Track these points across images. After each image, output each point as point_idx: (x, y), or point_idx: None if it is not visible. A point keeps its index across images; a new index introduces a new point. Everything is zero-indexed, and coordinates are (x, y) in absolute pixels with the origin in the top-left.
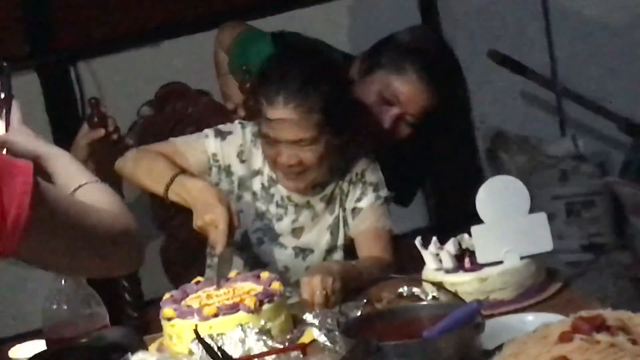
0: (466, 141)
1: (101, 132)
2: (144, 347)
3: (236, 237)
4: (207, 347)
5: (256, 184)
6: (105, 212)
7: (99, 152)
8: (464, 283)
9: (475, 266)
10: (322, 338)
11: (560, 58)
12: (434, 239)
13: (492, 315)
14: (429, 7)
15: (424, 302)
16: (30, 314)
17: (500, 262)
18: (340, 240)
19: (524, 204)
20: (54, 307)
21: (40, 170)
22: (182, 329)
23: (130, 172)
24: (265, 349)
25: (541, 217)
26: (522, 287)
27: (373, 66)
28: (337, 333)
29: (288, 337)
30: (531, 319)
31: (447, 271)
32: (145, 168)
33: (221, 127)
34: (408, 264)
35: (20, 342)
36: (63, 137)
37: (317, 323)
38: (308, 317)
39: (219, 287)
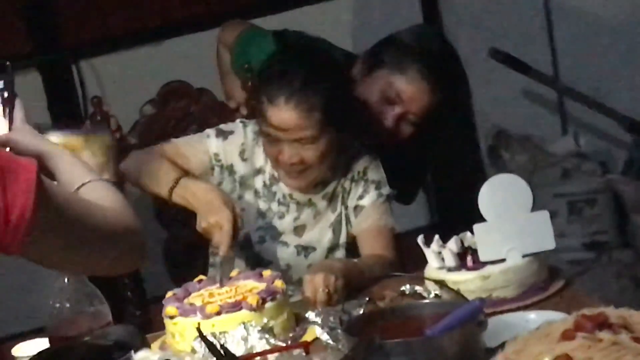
0: (468, 139)
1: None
2: (147, 345)
3: (239, 239)
4: (210, 345)
5: (258, 183)
6: (108, 210)
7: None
8: (467, 281)
9: (478, 264)
10: (324, 336)
11: (562, 56)
12: (437, 237)
13: (494, 314)
14: (431, 6)
15: (427, 301)
16: (33, 312)
17: (503, 260)
18: (343, 238)
19: (526, 202)
20: (57, 305)
21: (44, 169)
22: (184, 327)
23: (134, 175)
24: (267, 347)
25: (543, 215)
26: (524, 285)
27: (375, 65)
28: (339, 331)
29: (290, 335)
30: (533, 317)
31: (450, 269)
32: (148, 171)
33: (222, 126)
34: (410, 262)
35: (23, 340)
36: None
37: (319, 321)
38: (310, 315)
39: (222, 286)
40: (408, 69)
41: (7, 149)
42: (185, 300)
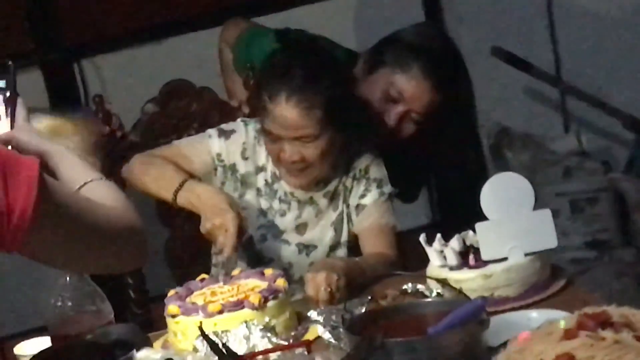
0: (470, 138)
1: (105, 129)
2: (149, 343)
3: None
4: (212, 344)
5: (260, 181)
6: (110, 208)
7: (103, 149)
8: (469, 280)
9: (480, 263)
10: (326, 335)
11: (564, 55)
12: (438, 235)
13: (496, 312)
14: (433, 4)
15: (429, 299)
16: (34, 311)
17: (505, 259)
18: (344, 237)
19: (529, 200)
20: (59, 303)
21: (45, 168)
22: (186, 326)
23: (137, 179)
24: (269, 346)
25: (546, 213)
26: (526, 284)
27: (377, 64)
28: (341, 330)
29: (292, 333)
30: (536, 316)
31: (452, 268)
32: (152, 175)
33: (224, 126)
34: (412, 260)
35: (25, 339)
36: None
37: (321, 320)
38: (312, 313)
39: (225, 284)
40: (410, 68)
41: (9, 148)
42: (188, 299)
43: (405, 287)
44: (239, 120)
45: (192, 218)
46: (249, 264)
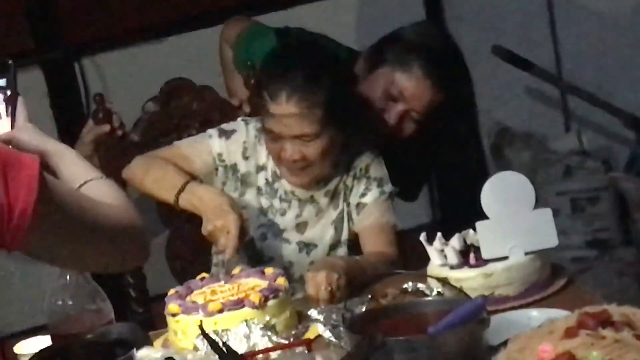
0: (471, 137)
1: (106, 128)
2: (149, 342)
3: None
4: (212, 343)
5: (261, 180)
6: (110, 207)
7: (104, 148)
8: (469, 279)
9: (480, 262)
10: (327, 334)
11: (565, 54)
12: (439, 234)
13: (497, 311)
14: (434, 3)
15: (429, 298)
16: (35, 310)
17: (505, 258)
18: (345, 236)
19: (529, 199)
20: (59, 302)
21: (46, 167)
22: (187, 325)
23: (139, 181)
24: (270, 345)
25: (546, 212)
26: (527, 283)
27: (378, 62)
28: (342, 329)
29: (293, 332)
30: (536, 315)
31: (452, 267)
32: (154, 177)
33: (224, 126)
34: (413, 259)
35: (25, 338)
36: (68, 133)
37: (322, 319)
38: (313, 312)
39: (226, 282)
40: (411, 66)
41: (10, 147)
42: (188, 298)
43: (405, 286)
44: (239, 119)
45: (193, 217)
46: (249, 263)
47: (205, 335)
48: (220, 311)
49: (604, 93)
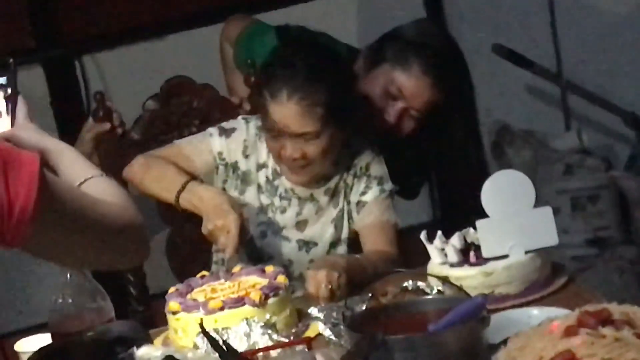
0: (471, 135)
1: (106, 126)
2: (150, 340)
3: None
4: (213, 341)
5: (261, 177)
6: (111, 204)
7: (104, 146)
8: (469, 277)
9: (481, 260)
10: (327, 332)
11: (566, 52)
12: (439, 233)
13: (497, 310)
14: (435, 1)
15: (429, 296)
16: (35, 308)
17: (506, 256)
18: (345, 234)
19: (529, 198)
20: (60, 301)
21: (46, 165)
22: (187, 323)
23: (139, 181)
24: (270, 343)
25: (546, 211)
26: (527, 281)
27: (377, 60)
28: (342, 327)
29: (293, 331)
30: (536, 313)
31: (452, 265)
32: (154, 176)
33: (224, 124)
34: (413, 258)
35: (25, 336)
36: (68, 131)
37: (322, 317)
38: (313, 311)
39: (226, 280)
40: (410, 65)
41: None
42: (188, 296)
43: (405, 284)
44: (239, 117)
45: (193, 215)
46: (249, 261)
47: (205, 333)
48: (221, 309)
49: (605, 91)
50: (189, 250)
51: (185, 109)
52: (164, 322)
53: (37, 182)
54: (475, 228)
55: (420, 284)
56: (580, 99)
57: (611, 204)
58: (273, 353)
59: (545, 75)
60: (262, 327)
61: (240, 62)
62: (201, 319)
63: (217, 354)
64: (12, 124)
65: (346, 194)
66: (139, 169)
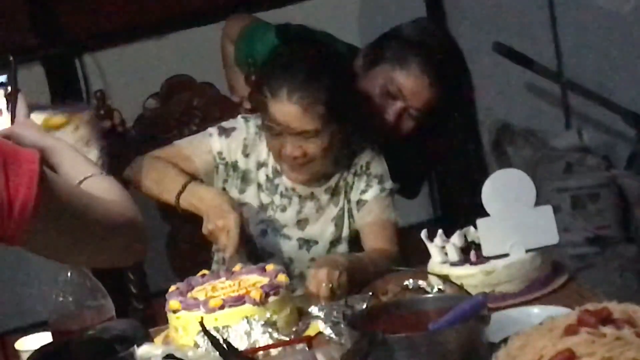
0: (471, 134)
1: (107, 124)
2: (150, 339)
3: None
4: (213, 340)
5: (261, 176)
6: (110, 202)
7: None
8: (470, 276)
9: (481, 259)
10: (327, 330)
11: (566, 50)
12: (440, 231)
13: (497, 308)
14: (435, 0)
15: (430, 295)
16: (36, 306)
17: (506, 255)
18: (345, 232)
19: (530, 196)
20: (60, 299)
21: (46, 163)
22: (187, 321)
23: (140, 182)
24: (270, 342)
25: (547, 209)
26: (527, 280)
27: (377, 59)
28: (342, 326)
29: (294, 329)
30: (537, 312)
31: (453, 264)
32: (154, 178)
33: (224, 124)
34: (413, 256)
35: (26, 334)
36: None
37: (322, 316)
38: (314, 309)
39: (227, 278)
40: (409, 64)
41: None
42: (189, 294)
43: (406, 283)
44: (239, 117)
45: (193, 215)
46: (250, 260)
47: (205, 331)
48: (221, 308)
49: (605, 90)
50: (190, 248)
51: (185, 107)
52: (165, 321)
53: (37, 179)
54: (475, 227)
55: (421, 282)
56: (581, 97)
57: (611, 202)
58: (273, 351)
59: (546, 74)
60: (262, 325)
61: (240, 61)
62: (202, 318)
63: (217, 353)
64: (12, 122)
65: (346, 193)
66: (138, 170)
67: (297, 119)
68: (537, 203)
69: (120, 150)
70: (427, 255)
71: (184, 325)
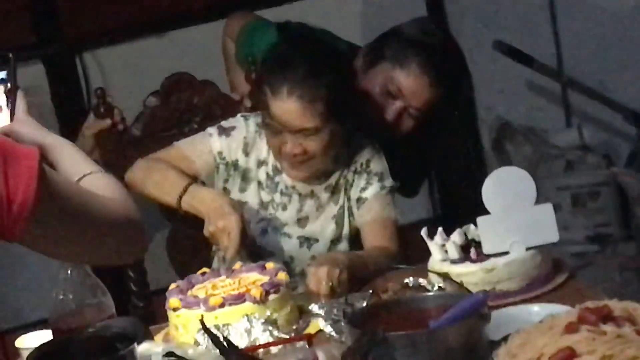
0: (471, 132)
1: (107, 122)
2: (150, 337)
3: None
4: (213, 338)
5: (261, 174)
6: (110, 200)
7: (105, 142)
8: (470, 274)
9: (481, 257)
10: (328, 328)
11: (566, 49)
12: (440, 229)
13: (498, 306)
14: None
15: (430, 293)
16: (36, 304)
17: (506, 253)
18: (345, 230)
19: (530, 194)
20: (60, 297)
21: (45, 160)
22: (188, 319)
23: (141, 184)
24: (271, 340)
25: (547, 207)
26: (528, 278)
27: (377, 58)
28: (343, 323)
29: (294, 327)
30: (537, 310)
31: (453, 262)
32: (155, 180)
33: (224, 123)
34: (414, 254)
35: (26, 332)
36: (69, 128)
37: (323, 314)
38: (314, 307)
39: (227, 277)
40: (409, 63)
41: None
42: (189, 293)
43: (406, 280)
44: (238, 115)
45: (194, 216)
46: (250, 258)
47: (206, 329)
48: (221, 306)
49: (605, 88)
50: (190, 246)
51: (185, 105)
52: (165, 319)
53: (37, 176)
54: (476, 224)
55: (421, 280)
56: (581, 95)
57: (612, 200)
58: (274, 349)
59: (546, 72)
60: (262, 323)
61: (241, 59)
62: (202, 316)
63: (217, 350)
64: (12, 119)
65: (346, 191)
66: (139, 173)
67: (298, 116)
68: (538, 201)
69: (121, 148)
70: (427, 253)
71: (184, 323)
